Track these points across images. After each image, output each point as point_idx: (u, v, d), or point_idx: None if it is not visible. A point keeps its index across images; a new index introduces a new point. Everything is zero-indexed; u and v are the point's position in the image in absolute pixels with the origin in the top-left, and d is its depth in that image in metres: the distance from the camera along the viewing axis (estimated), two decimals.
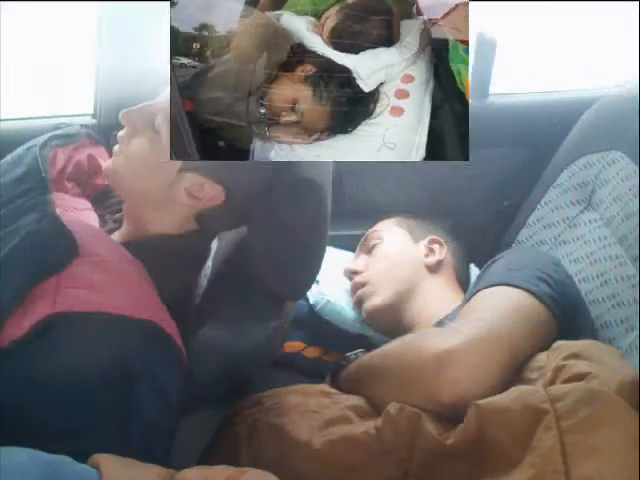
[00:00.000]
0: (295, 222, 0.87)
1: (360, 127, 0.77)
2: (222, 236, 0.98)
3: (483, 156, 1.39)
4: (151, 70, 1.18)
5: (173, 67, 0.81)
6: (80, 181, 1.02)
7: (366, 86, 0.76)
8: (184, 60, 0.82)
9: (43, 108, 1.32)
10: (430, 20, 0.81)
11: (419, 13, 0.82)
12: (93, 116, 1.26)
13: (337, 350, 1.10)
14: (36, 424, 0.70)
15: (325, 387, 0.91)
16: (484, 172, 1.40)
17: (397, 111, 0.78)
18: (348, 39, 0.77)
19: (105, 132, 1.11)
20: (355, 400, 0.83)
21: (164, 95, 0.86)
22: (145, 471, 0.67)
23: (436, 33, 0.81)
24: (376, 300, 1.10)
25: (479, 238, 1.33)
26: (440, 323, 0.98)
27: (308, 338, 1.13)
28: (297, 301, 1.08)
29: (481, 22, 1.27)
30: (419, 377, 0.77)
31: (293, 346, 1.12)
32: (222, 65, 0.80)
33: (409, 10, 0.82)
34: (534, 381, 0.74)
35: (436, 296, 1.08)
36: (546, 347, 0.79)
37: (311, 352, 1.12)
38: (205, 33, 0.82)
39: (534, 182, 1.24)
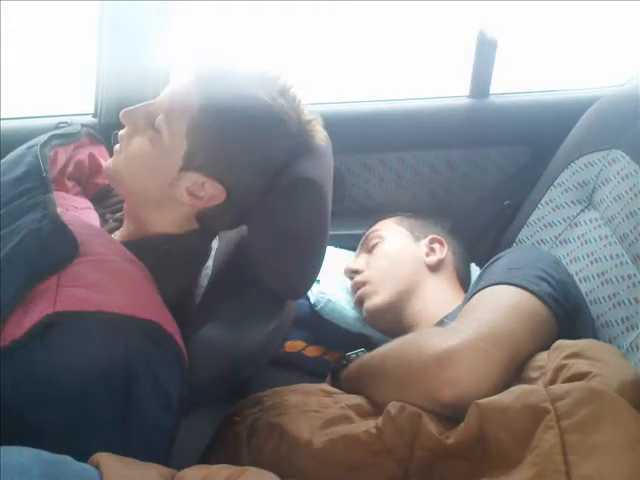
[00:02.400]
0: (295, 222, 0.87)
1: None
2: (222, 236, 0.98)
3: (483, 156, 1.39)
4: (151, 70, 1.19)
5: None
6: (81, 180, 1.02)
7: None
8: None
9: (44, 107, 1.32)
10: None
11: None
12: (94, 115, 1.26)
13: (338, 349, 1.10)
14: (36, 424, 0.70)
15: (326, 386, 0.91)
16: (484, 172, 1.40)
17: None
18: None
19: (106, 131, 1.12)
20: (356, 399, 0.83)
21: (164, 94, 0.86)
22: (145, 470, 0.67)
23: None
24: (377, 299, 1.09)
25: (479, 238, 1.33)
26: (441, 322, 0.98)
27: (309, 337, 1.13)
28: (297, 300, 1.08)
29: (481, 22, 1.27)
30: (419, 377, 0.77)
31: (294, 345, 1.11)
32: None
33: None
34: (535, 380, 0.74)
35: (437, 295, 1.08)
36: (547, 346, 0.78)
37: (312, 351, 1.12)
38: None
39: (534, 182, 1.24)
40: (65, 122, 1.19)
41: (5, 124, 1.22)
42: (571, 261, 1.07)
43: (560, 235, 1.13)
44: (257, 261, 0.88)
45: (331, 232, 0.90)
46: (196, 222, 0.89)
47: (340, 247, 1.27)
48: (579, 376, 0.70)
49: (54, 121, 1.20)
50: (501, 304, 0.84)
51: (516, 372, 0.77)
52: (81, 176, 1.01)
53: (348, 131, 1.29)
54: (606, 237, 1.02)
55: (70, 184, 0.99)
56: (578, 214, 1.12)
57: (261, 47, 1.06)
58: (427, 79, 1.61)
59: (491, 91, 1.37)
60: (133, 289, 0.77)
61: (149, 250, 0.85)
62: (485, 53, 1.31)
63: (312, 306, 1.15)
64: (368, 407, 0.82)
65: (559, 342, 0.78)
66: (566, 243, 1.11)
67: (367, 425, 0.76)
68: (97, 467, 0.63)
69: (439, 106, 1.40)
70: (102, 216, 0.98)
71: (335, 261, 1.18)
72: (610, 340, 0.93)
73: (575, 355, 0.74)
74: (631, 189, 1.00)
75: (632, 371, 0.73)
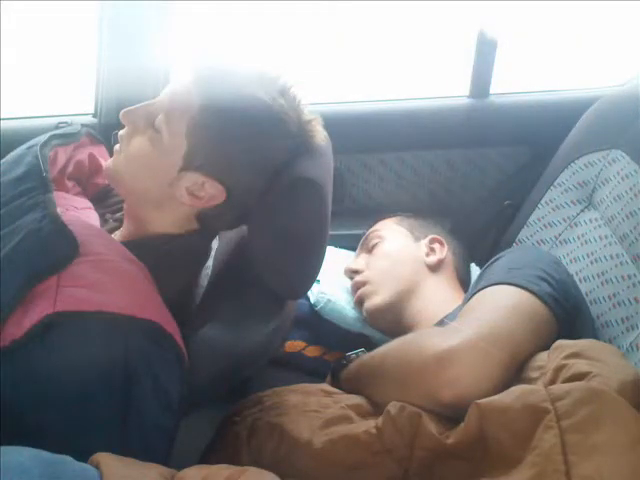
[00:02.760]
0: (295, 222, 0.87)
1: None
2: (222, 235, 0.98)
3: (483, 156, 1.39)
4: (151, 70, 1.19)
5: None
6: (81, 180, 1.02)
7: None
8: None
9: (44, 107, 1.32)
10: None
11: None
12: (94, 115, 1.26)
13: (338, 349, 1.10)
14: (36, 424, 0.70)
15: (326, 386, 0.91)
16: (484, 172, 1.40)
17: None
18: None
19: (106, 131, 1.12)
20: (356, 399, 0.83)
21: (164, 94, 0.86)
22: (145, 470, 0.67)
23: None
24: (377, 299, 1.09)
25: (479, 238, 1.33)
26: (441, 322, 0.98)
27: (309, 337, 1.13)
28: (297, 300, 1.08)
29: (481, 22, 1.27)
30: (419, 377, 0.77)
31: (294, 345, 1.11)
32: None
33: None
34: (535, 380, 0.74)
35: (437, 295, 1.08)
36: (547, 346, 0.78)
37: (312, 351, 1.12)
38: None
39: (534, 182, 1.24)
40: (65, 122, 1.19)
41: (5, 124, 1.22)
42: (571, 261, 1.07)
43: (560, 235, 1.13)
44: (257, 261, 0.88)
45: (331, 232, 0.90)
46: (196, 222, 0.89)
47: (340, 247, 1.27)
48: (579, 376, 0.70)
49: (54, 121, 1.20)
50: (501, 304, 0.84)
51: (516, 372, 0.77)
52: (81, 176, 1.01)
53: (348, 131, 1.29)
54: (606, 237, 1.02)
55: (70, 184, 0.99)
56: (578, 214, 1.12)
57: (261, 47, 1.06)
58: (427, 79, 1.61)
59: (491, 91, 1.37)
60: (133, 289, 0.77)
61: (149, 250, 0.85)
62: (485, 53, 1.31)
63: (312, 306, 1.14)
64: (368, 407, 0.82)
65: (559, 342, 0.78)
66: (566, 243, 1.11)
67: (367, 425, 0.76)
68: (97, 467, 0.63)
69: (439, 106, 1.40)
70: (102, 216, 0.98)
71: (335, 261, 1.18)
72: (610, 340, 0.93)
73: (575, 355, 0.74)
74: (631, 189, 1.00)
75: (632, 371, 0.73)
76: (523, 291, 0.85)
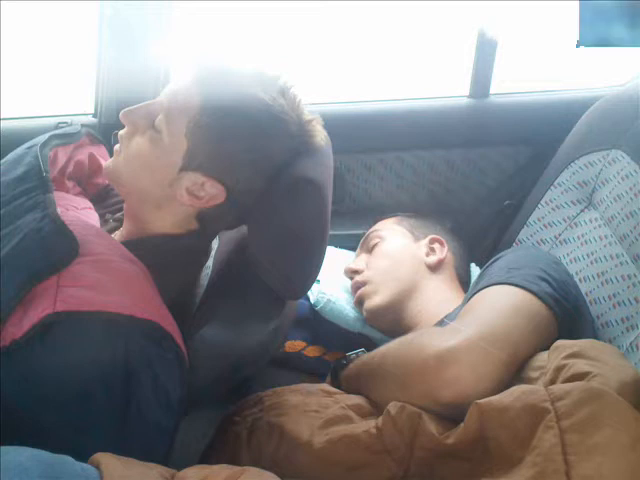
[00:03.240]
0: (295, 221, 0.87)
1: None
2: (222, 236, 0.98)
3: (483, 156, 1.39)
4: (151, 70, 1.19)
5: None
6: (81, 180, 1.02)
7: None
8: None
9: (44, 107, 1.32)
10: None
11: None
12: (94, 115, 1.26)
13: (338, 349, 1.11)
14: (36, 424, 0.70)
15: (326, 386, 0.91)
16: (484, 172, 1.40)
17: None
18: None
19: (106, 131, 1.12)
20: (356, 399, 0.83)
21: (164, 94, 0.86)
22: (145, 470, 0.67)
23: None
24: (377, 299, 1.09)
25: (479, 238, 1.33)
26: (441, 322, 0.98)
27: (309, 337, 1.13)
28: (297, 300, 1.08)
29: (481, 22, 1.27)
30: (419, 376, 0.77)
31: (294, 345, 1.11)
32: None
33: None
34: (535, 380, 0.74)
35: (437, 295, 1.08)
36: (547, 346, 0.79)
37: (312, 351, 1.12)
38: None
39: (534, 182, 1.24)
40: (65, 122, 1.19)
41: (5, 124, 1.22)
42: (571, 261, 1.07)
43: (560, 235, 1.13)
44: (257, 261, 0.88)
45: (331, 232, 0.90)
46: (196, 222, 0.89)
47: (340, 247, 1.27)
48: (579, 376, 0.70)
49: (54, 121, 1.21)
50: (501, 304, 0.84)
51: (516, 372, 0.77)
52: (81, 176, 1.01)
53: (348, 131, 1.29)
54: (606, 237, 1.02)
55: (70, 184, 0.99)
56: (578, 214, 1.12)
57: (261, 47, 1.06)
58: (427, 79, 1.61)
59: (491, 91, 1.37)
60: (133, 289, 0.77)
61: (149, 250, 0.85)
62: (485, 53, 1.31)
63: (312, 306, 1.15)
64: (368, 407, 0.82)
65: (559, 342, 0.78)
66: (566, 243, 1.11)
67: (367, 425, 0.76)
68: (97, 467, 0.63)
69: (439, 106, 1.40)
70: (102, 216, 0.98)
71: (335, 261, 1.18)
72: (610, 340, 0.93)
73: (575, 355, 0.74)
74: (631, 189, 1.00)
75: (632, 371, 0.73)
76: (523, 291, 0.85)
